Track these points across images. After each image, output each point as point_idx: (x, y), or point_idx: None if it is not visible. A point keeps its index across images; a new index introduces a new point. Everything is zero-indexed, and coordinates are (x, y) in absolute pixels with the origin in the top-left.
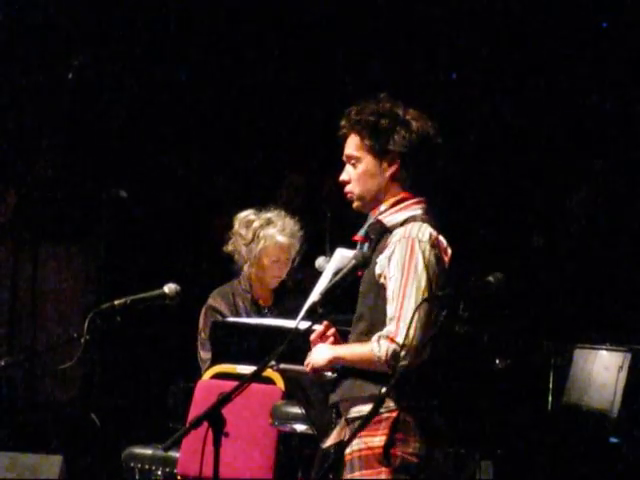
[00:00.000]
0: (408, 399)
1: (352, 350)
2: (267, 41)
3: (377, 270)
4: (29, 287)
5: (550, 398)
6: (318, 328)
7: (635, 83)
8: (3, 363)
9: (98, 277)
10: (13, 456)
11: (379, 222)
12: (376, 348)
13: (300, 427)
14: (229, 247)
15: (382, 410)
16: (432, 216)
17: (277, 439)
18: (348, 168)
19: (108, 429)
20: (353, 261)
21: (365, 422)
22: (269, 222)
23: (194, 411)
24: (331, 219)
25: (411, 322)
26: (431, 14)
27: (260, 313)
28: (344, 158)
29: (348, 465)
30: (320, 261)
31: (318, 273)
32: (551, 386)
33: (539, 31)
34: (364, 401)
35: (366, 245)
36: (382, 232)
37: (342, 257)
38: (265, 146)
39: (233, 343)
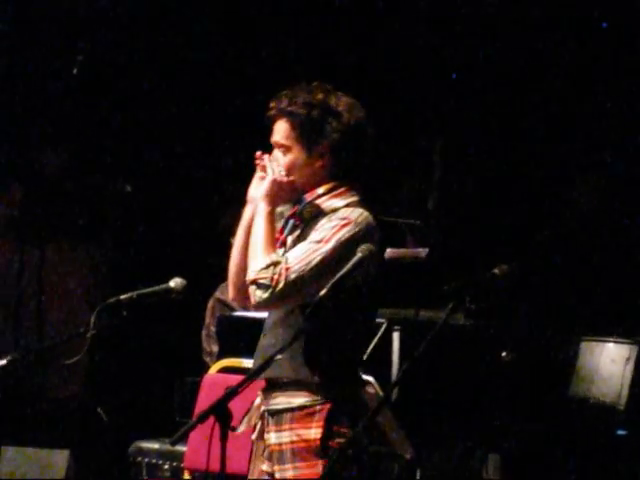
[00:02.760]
0: (338, 389)
1: (261, 232)
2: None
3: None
4: (35, 283)
5: (556, 391)
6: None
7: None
8: (10, 358)
9: (104, 272)
10: (20, 451)
11: (316, 205)
12: (262, 261)
13: None
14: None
15: (314, 402)
16: (368, 207)
17: None
18: (276, 154)
19: (115, 423)
20: (359, 254)
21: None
22: (281, 215)
23: (201, 405)
24: None
25: (304, 271)
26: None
27: None
28: (272, 142)
29: (276, 456)
30: None
31: None
32: (557, 379)
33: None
34: (296, 389)
35: (291, 222)
36: (317, 215)
37: None
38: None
39: (239, 337)
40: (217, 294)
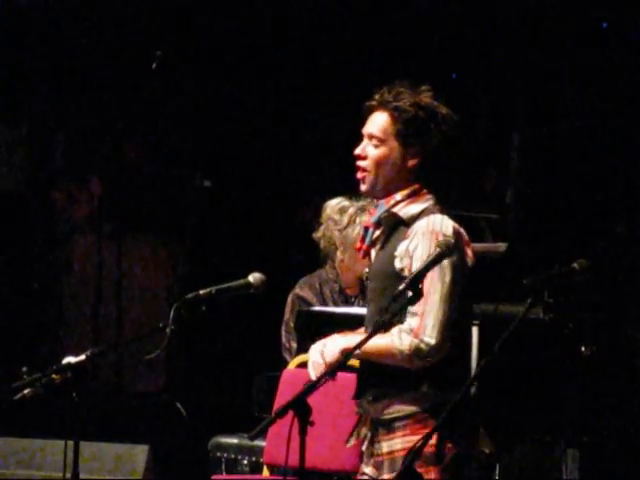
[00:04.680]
0: (448, 395)
1: (370, 341)
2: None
3: (397, 263)
4: (114, 278)
5: (636, 385)
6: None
7: None
8: (89, 353)
9: (183, 267)
10: (99, 446)
11: (392, 212)
12: (397, 341)
13: None
14: (319, 234)
15: (425, 409)
16: (444, 208)
17: None
18: (367, 145)
19: (194, 419)
20: (437, 249)
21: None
22: (364, 209)
23: (280, 400)
24: None
25: (437, 320)
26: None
27: (347, 302)
28: (364, 132)
29: (387, 464)
30: None
31: None
32: (636, 373)
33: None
34: (401, 400)
35: (370, 231)
36: (395, 223)
37: None
38: (350, 136)
39: (318, 332)
40: (297, 290)
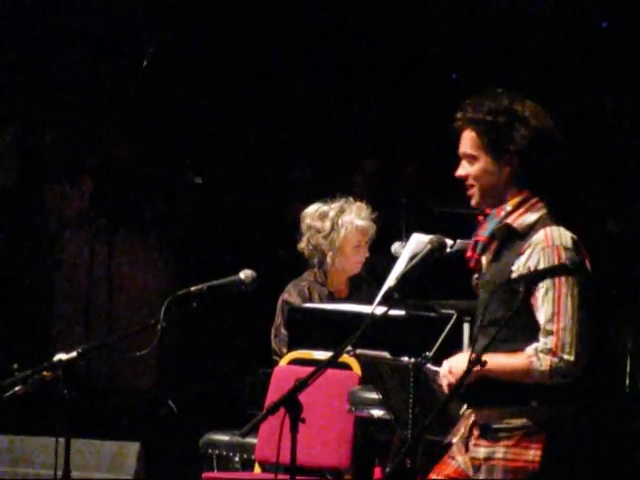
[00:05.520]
0: (555, 413)
1: (501, 361)
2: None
3: (515, 277)
4: (105, 274)
5: (627, 382)
6: (395, 313)
7: None
8: (80, 350)
9: (174, 264)
10: (91, 443)
11: (507, 225)
12: (536, 363)
13: (377, 412)
14: (302, 245)
15: (533, 423)
16: (555, 214)
17: (354, 425)
18: (464, 164)
19: (186, 416)
20: (429, 246)
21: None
22: (343, 210)
23: (271, 397)
24: (407, 204)
25: (573, 336)
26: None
27: None
28: (460, 153)
29: (486, 469)
30: (396, 246)
31: (393, 260)
32: (628, 370)
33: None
34: (512, 414)
35: (480, 244)
36: (510, 235)
37: (418, 242)
38: (339, 133)
39: (309, 329)
40: (285, 295)
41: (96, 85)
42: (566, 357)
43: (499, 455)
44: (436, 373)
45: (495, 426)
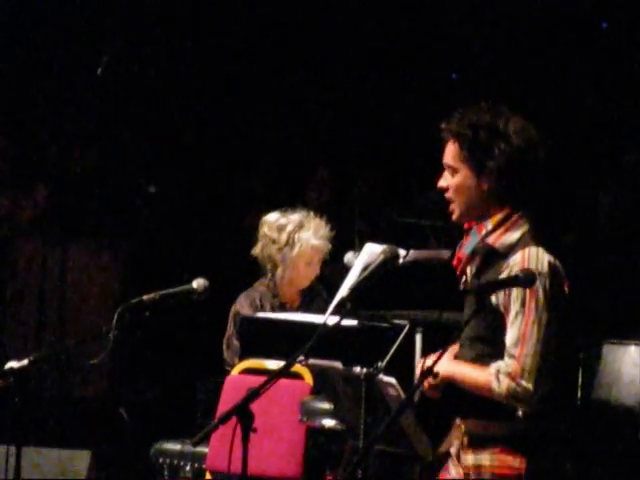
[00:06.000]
0: (543, 424)
1: (470, 374)
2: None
3: (493, 299)
4: (58, 282)
5: (579, 394)
6: (347, 323)
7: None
8: (32, 358)
9: (127, 272)
10: (41, 451)
11: (487, 244)
12: (495, 383)
13: (328, 422)
14: (257, 250)
15: (519, 434)
16: (538, 232)
17: (305, 434)
18: (446, 175)
19: (137, 424)
20: (382, 256)
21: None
22: (302, 225)
23: (223, 406)
24: (360, 214)
25: (534, 364)
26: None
27: None
28: (443, 163)
29: (474, 477)
30: (349, 256)
31: (345, 268)
32: (580, 382)
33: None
34: (498, 425)
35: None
36: (491, 254)
37: (371, 252)
38: (294, 142)
39: (261, 338)
40: (237, 307)
41: (51, 92)
42: (524, 383)
43: (486, 462)
44: (388, 383)
45: (482, 435)
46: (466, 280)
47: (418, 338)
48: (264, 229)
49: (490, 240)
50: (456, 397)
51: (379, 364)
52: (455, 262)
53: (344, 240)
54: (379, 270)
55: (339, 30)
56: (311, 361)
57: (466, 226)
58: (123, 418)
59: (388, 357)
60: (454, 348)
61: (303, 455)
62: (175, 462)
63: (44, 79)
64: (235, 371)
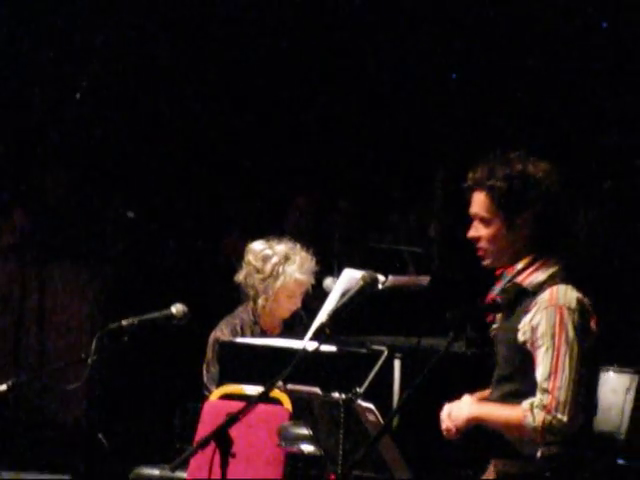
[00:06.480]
0: (563, 462)
1: (498, 412)
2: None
3: (520, 336)
4: (36, 307)
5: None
6: (326, 349)
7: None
8: (10, 383)
9: (106, 298)
10: (21, 476)
11: (516, 284)
12: (529, 418)
13: (307, 448)
14: (240, 277)
15: (540, 470)
16: (569, 272)
17: (284, 460)
18: (477, 225)
19: (116, 449)
20: (361, 282)
21: None
22: (287, 258)
23: (201, 431)
24: (339, 240)
25: (568, 396)
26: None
27: None
28: (471, 213)
29: None
30: (328, 282)
31: (324, 293)
32: None
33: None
34: (521, 461)
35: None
36: (520, 293)
37: (350, 278)
38: (273, 168)
39: (240, 363)
40: (218, 333)
41: (27, 117)
42: (559, 416)
43: None
44: (367, 409)
45: (509, 472)
46: (496, 322)
47: (397, 364)
48: (249, 257)
49: (519, 279)
50: (483, 438)
51: (357, 390)
52: (490, 317)
53: (323, 265)
54: (358, 296)
55: (320, 66)
56: (290, 386)
57: (498, 272)
58: (102, 443)
59: (367, 383)
60: (481, 393)
61: None
62: None
63: (23, 105)
64: (214, 396)
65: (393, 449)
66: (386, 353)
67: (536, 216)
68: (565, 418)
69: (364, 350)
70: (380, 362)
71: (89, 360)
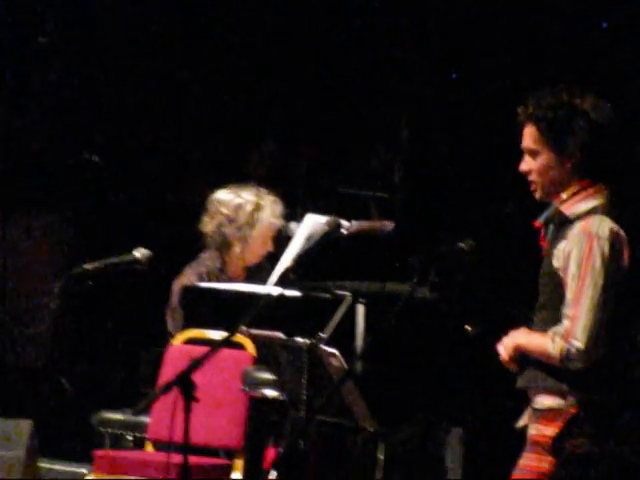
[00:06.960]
0: (590, 396)
1: (531, 340)
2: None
3: (554, 262)
4: (0, 253)
5: None
6: (290, 294)
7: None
8: None
9: (69, 242)
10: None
11: (560, 212)
12: (550, 345)
13: (271, 393)
14: (208, 227)
15: (560, 405)
16: (615, 205)
17: (247, 405)
18: (527, 159)
19: (78, 394)
20: (325, 227)
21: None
22: (259, 206)
23: (164, 376)
24: (302, 185)
25: (586, 324)
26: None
27: None
28: (522, 147)
29: (528, 446)
30: (291, 226)
31: (287, 239)
32: None
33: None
34: (547, 392)
35: (545, 229)
36: (562, 221)
37: (313, 223)
38: (237, 112)
39: (204, 308)
40: (183, 279)
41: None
42: (575, 343)
43: (532, 431)
44: (330, 354)
45: (535, 406)
46: (550, 257)
47: (360, 309)
48: (220, 208)
49: (562, 208)
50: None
51: (321, 335)
52: (542, 241)
53: (285, 211)
54: (322, 241)
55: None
56: (254, 331)
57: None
58: (65, 387)
59: (331, 328)
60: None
61: (245, 425)
62: (117, 431)
63: None
64: (177, 341)
65: (357, 395)
66: (350, 298)
67: (583, 145)
68: (581, 345)
69: (328, 295)
70: (344, 307)
71: (52, 304)
